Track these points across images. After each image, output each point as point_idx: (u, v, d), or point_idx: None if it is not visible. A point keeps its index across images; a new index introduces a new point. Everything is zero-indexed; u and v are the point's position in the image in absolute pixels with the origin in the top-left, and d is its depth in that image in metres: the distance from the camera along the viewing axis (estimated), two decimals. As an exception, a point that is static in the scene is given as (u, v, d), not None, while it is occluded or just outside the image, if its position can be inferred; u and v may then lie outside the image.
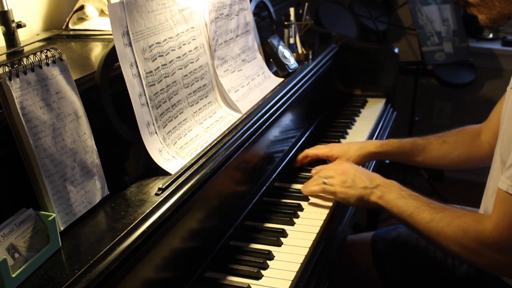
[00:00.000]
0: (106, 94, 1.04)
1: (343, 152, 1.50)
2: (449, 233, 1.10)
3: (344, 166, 1.35)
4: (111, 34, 1.05)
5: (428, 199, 1.19)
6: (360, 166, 1.40)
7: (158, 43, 1.16)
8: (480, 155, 1.46)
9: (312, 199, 1.38)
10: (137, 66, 1.09)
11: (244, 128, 1.28)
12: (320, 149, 1.54)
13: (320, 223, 1.27)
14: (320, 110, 1.95)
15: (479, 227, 1.06)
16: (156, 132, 1.13)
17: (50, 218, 0.84)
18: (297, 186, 1.45)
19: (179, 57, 1.23)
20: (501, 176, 1.04)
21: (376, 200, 1.25)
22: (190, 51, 1.28)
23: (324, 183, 1.33)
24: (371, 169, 1.67)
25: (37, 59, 0.89)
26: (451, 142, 1.49)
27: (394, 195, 1.22)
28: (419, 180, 3.02)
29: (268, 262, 1.13)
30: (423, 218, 1.15)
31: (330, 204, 1.35)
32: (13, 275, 0.76)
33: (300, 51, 1.84)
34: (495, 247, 1.04)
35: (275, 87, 1.56)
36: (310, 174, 1.46)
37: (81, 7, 1.46)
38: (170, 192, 1.01)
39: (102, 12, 1.50)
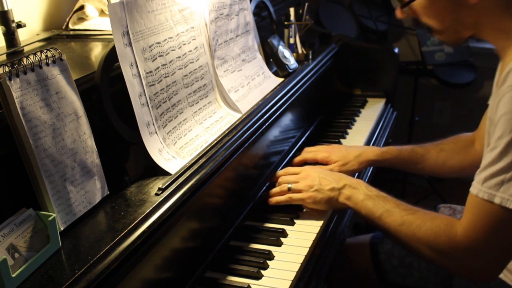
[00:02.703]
0: (106, 94, 1.04)
1: (342, 157, 1.48)
2: (420, 237, 1.09)
3: (307, 170, 1.34)
4: (111, 34, 1.05)
5: (397, 200, 1.18)
6: (323, 168, 1.37)
7: (158, 43, 1.16)
8: (475, 163, 1.43)
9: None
10: (137, 66, 1.09)
11: (244, 128, 1.28)
12: (318, 153, 1.52)
13: (320, 223, 1.27)
14: (320, 110, 1.95)
15: (451, 232, 1.05)
16: (156, 132, 1.13)
17: (50, 218, 0.84)
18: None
19: (179, 57, 1.23)
20: (474, 180, 1.02)
21: (344, 201, 1.24)
22: (190, 51, 1.28)
23: (289, 189, 1.31)
24: (370, 170, 1.67)
25: (37, 59, 0.89)
26: (448, 150, 1.48)
27: (362, 196, 1.21)
28: (419, 180, 3.02)
29: (268, 262, 1.13)
30: (393, 221, 1.13)
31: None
32: (13, 275, 0.76)
33: (300, 51, 1.84)
34: (466, 252, 1.03)
35: (275, 87, 1.56)
36: None
37: (81, 7, 1.46)
38: (170, 192, 1.01)
39: (102, 12, 1.50)
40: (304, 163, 1.54)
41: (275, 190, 1.34)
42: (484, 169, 1.00)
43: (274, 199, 1.33)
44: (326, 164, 1.51)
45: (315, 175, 1.30)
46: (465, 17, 1.08)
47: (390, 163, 1.51)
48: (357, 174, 1.61)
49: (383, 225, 1.16)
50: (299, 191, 1.29)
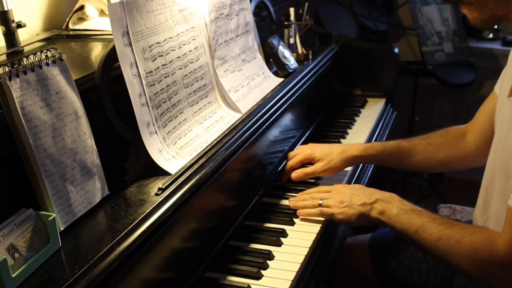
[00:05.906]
0: (106, 94, 1.04)
1: (325, 154, 1.45)
2: (459, 253, 1.06)
3: (338, 187, 1.32)
4: (111, 34, 1.05)
5: (432, 214, 1.15)
6: (355, 184, 1.35)
7: (158, 43, 1.16)
8: (466, 156, 1.42)
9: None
10: (137, 66, 1.09)
11: (244, 128, 1.28)
12: (300, 154, 1.48)
13: (320, 223, 1.27)
14: (320, 110, 1.95)
15: (492, 247, 1.02)
16: (156, 132, 1.13)
17: (50, 218, 0.84)
18: (298, 186, 1.45)
19: (179, 57, 1.23)
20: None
21: (377, 216, 1.21)
22: (190, 51, 1.28)
23: (320, 204, 1.29)
24: (370, 171, 1.67)
25: (37, 59, 0.89)
26: (436, 144, 1.45)
27: (396, 210, 1.18)
28: (419, 180, 3.02)
29: (268, 262, 1.13)
30: (429, 236, 1.10)
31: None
32: (13, 275, 0.76)
33: (300, 51, 1.84)
34: (508, 267, 1.01)
35: (275, 87, 1.56)
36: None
37: (81, 7, 1.46)
38: (170, 192, 1.01)
39: (102, 12, 1.50)
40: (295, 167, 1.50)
41: (306, 203, 1.32)
42: None
43: (305, 211, 1.30)
44: (310, 164, 1.47)
45: (346, 191, 1.28)
46: None
47: (375, 158, 1.48)
48: (363, 179, 1.60)
49: (419, 240, 1.13)
50: (328, 207, 1.27)
